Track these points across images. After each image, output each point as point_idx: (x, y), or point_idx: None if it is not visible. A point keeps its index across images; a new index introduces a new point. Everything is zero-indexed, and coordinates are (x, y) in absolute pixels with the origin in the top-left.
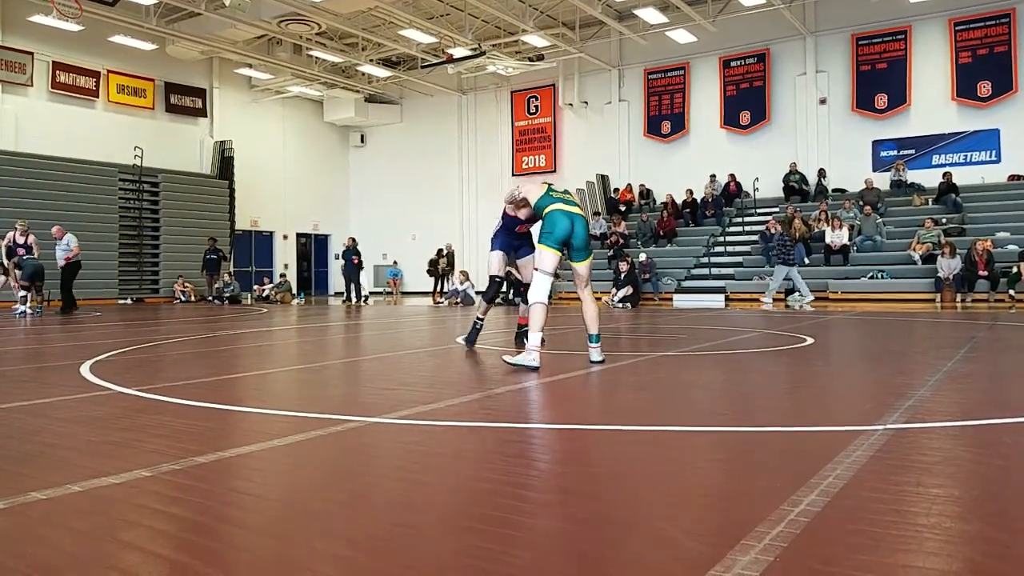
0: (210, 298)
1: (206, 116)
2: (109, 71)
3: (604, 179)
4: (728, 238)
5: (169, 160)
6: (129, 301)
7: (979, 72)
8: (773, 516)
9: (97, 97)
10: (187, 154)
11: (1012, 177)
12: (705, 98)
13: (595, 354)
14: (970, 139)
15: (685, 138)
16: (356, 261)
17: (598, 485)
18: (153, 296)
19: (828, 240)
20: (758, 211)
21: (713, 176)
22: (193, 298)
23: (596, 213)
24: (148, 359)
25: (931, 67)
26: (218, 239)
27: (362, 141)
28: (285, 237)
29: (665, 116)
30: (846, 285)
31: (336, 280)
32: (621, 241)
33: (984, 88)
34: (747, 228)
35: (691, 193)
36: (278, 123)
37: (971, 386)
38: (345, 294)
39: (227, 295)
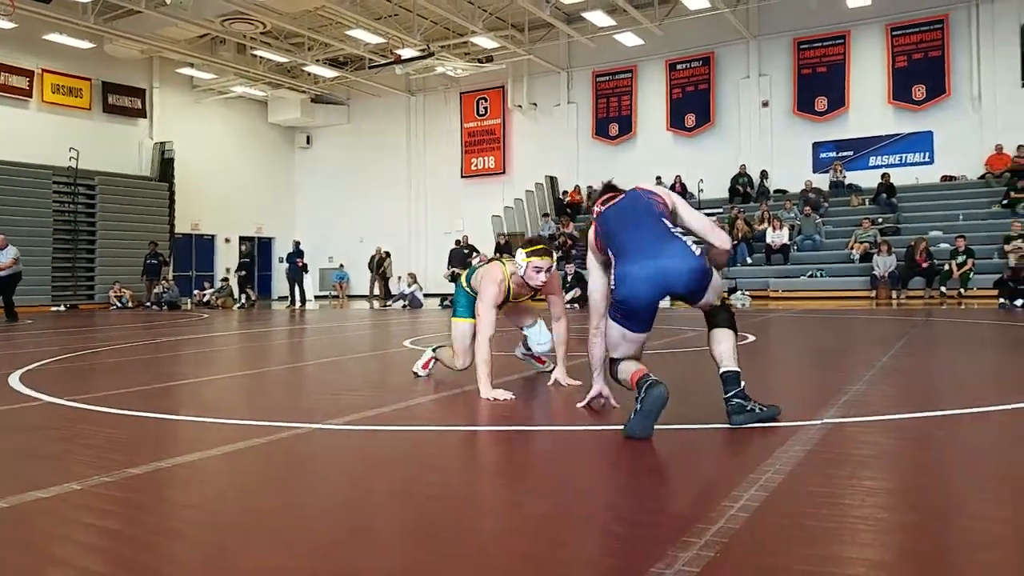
0: (148, 304)
1: (145, 117)
2: (44, 70)
3: (553, 181)
4: None
5: (106, 162)
6: (63, 308)
7: (914, 76)
8: (714, 512)
9: (30, 97)
10: (125, 156)
11: (944, 178)
12: (652, 101)
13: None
14: (905, 141)
15: (632, 140)
16: (300, 264)
17: (545, 485)
18: (88, 302)
19: (769, 240)
20: (703, 212)
21: (659, 178)
22: (130, 304)
23: (545, 214)
24: (82, 368)
25: (869, 71)
26: (158, 243)
27: (308, 142)
28: (227, 240)
29: (613, 118)
30: (786, 283)
31: (281, 284)
32: (570, 242)
33: (919, 91)
34: None
35: None
36: (221, 124)
37: (904, 381)
38: (290, 298)
39: (166, 300)
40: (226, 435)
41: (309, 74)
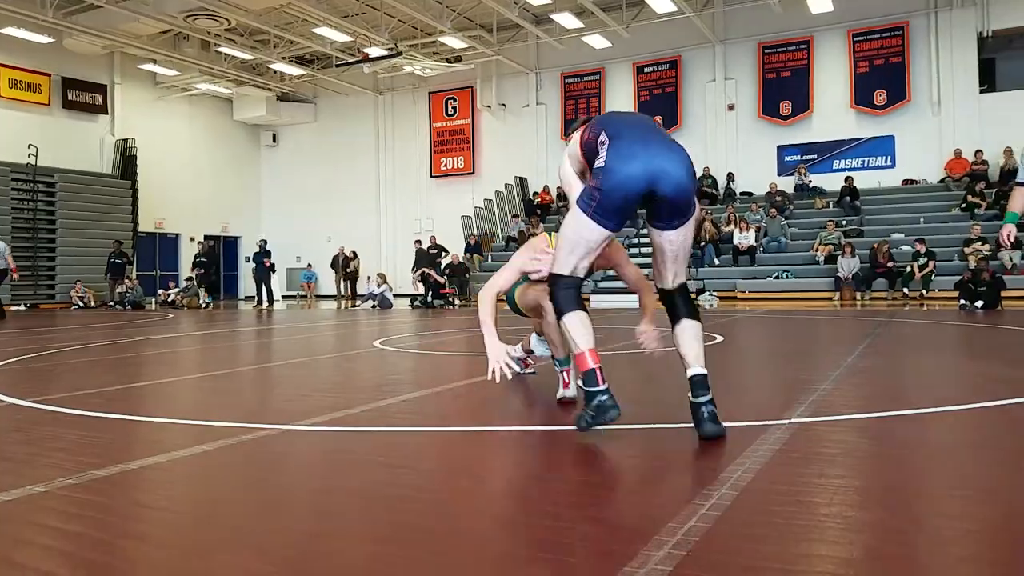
0: (111, 303)
1: (107, 113)
2: (0, 65)
3: (523, 181)
4: (643, 240)
5: (66, 159)
6: (23, 307)
7: (875, 81)
8: (685, 511)
9: None
10: (86, 153)
11: (906, 181)
12: (620, 103)
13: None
14: (867, 145)
15: None
16: (267, 263)
17: (516, 486)
18: (49, 302)
19: (736, 241)
20: None
21: None
22: (92, 303)
23: (515, 215)
24: (46, 369)
25: (832, 76)
26: (123, 242)
27: (274, 140)
28: (192, 239)
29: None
30: (753, 285)
31: (247, 284)
32: None
33: (880, 97)
34: None
35: None
36: (185, 121)
37: (870, 381)
38: (256, 298)
39: (130, 300)
40: (193, 437)
41: (275, 72)
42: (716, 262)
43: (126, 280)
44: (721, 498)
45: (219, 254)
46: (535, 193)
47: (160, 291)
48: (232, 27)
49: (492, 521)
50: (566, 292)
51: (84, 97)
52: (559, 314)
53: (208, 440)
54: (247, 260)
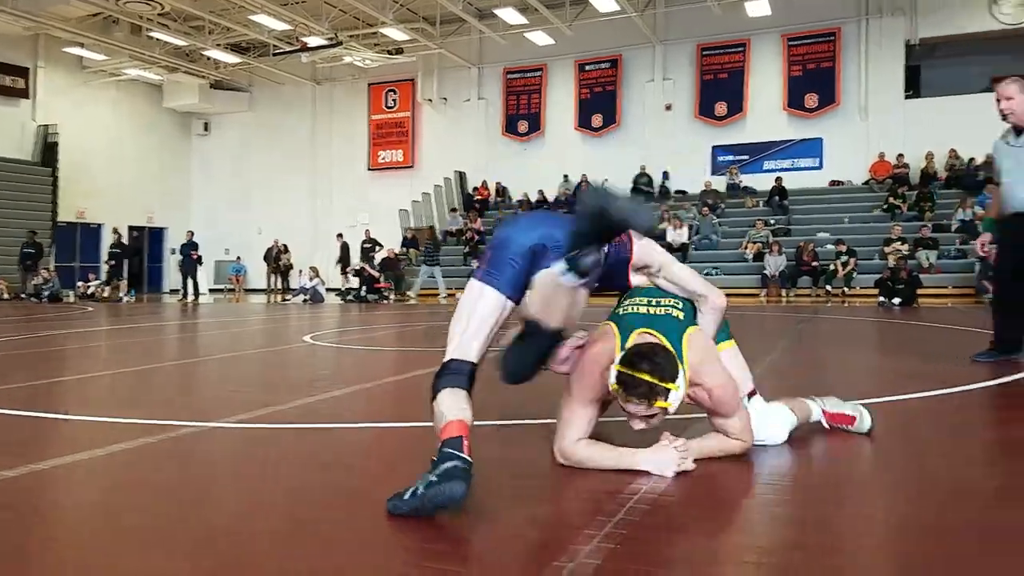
0: (25, 295)
1: (28, 97)
2: None
3: (462, 176)
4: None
5: None
6: None
7: (807, 85)
8: (614, 505)
9: None
10: (5, 138)
11: (832, 183)
12: (561, 100)
13: None
14: (797, 147)
15: (541, 138)
16: (194, 256)
17: None
18: None
19: (669, 239)
20: None
21: (566, 176)
22: (6, 296)
23: (453, 209)
24: None
25: (766, 79)
26: (39, 231)
27: (206, 129)
28: (115, 230)
29: (522, 116)
30: None
31: (173, 276)
32: (477, 238)
33: (811, 100)
34: None
35: (542, 193)
36: (111, 107)
37: (794, 375)
38: (182, 291)
39: (46, 292)
40: (112, 435)
41: (209, 59)
42: None
43: (42, 271)
44: (649, 491)
45: (141, 246)
46: (474, 188)
47: (80, 283)
48: (165, 11)
49: (422, 519)
50: (455, 375)
51: (4, 80)
52: (435, 390)
53: (128, 438)
54: (173, 252)
